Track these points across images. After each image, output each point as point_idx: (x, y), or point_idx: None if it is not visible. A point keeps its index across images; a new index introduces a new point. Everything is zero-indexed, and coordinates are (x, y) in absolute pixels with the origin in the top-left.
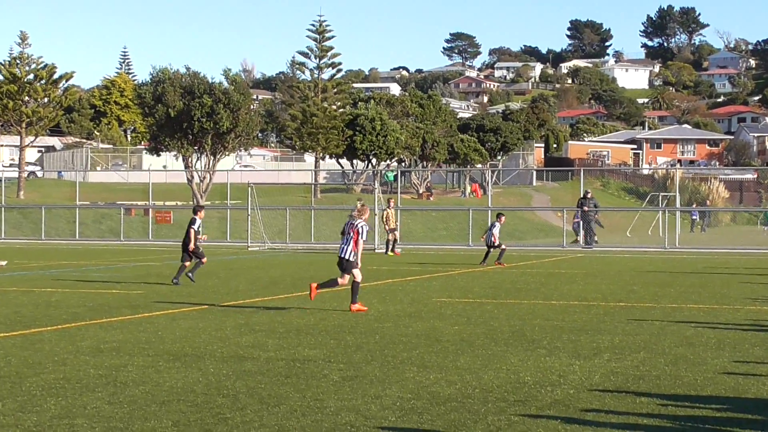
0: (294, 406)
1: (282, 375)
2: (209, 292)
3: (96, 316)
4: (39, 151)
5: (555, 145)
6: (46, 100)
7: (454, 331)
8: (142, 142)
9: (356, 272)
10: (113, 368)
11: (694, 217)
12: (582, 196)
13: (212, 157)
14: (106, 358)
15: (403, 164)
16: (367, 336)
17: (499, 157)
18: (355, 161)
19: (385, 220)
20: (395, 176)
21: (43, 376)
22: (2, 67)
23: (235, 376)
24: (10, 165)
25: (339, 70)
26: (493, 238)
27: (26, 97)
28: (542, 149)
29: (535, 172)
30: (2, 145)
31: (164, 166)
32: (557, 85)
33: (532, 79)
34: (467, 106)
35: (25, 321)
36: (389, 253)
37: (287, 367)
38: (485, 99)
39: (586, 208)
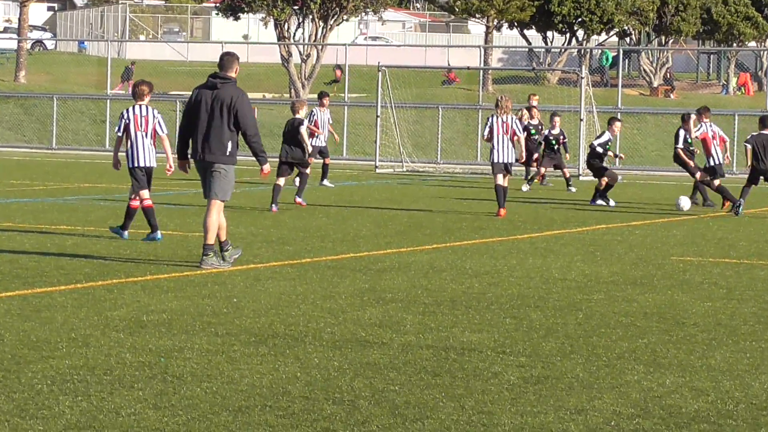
0: (446, 423)
1: (428, 372)
2: (313, 238)
3: (135, 271)
4: (50, 9)
5: None
6: None
7: (705, 309)
8: None
9: None
10: (162, 353)
11: None
12: None
13: (321, 24)
14: (151, 338)
15: (628, 40)
16: (565, 313)
17: None
18: (549, 34)
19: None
20: (614, 59)
21: (54, 362)
22: None
23: (353, 371)
24: (5, 30)
25: None
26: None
27: None
28: None
29: None
30: None
31: (245, 36)
32: None
33: None
34: None
35: (27, 275)
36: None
37: (436, 360)
38: None
39: None
